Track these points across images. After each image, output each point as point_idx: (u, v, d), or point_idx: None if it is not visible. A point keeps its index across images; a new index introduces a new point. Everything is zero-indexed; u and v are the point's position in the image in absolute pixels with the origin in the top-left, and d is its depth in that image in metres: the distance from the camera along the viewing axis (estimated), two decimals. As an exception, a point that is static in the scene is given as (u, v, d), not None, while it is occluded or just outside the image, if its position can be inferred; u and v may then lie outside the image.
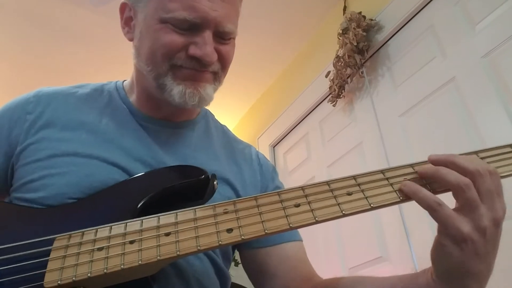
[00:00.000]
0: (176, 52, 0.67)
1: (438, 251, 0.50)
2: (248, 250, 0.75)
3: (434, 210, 0.49)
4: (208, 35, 0.67)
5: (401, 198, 0.53)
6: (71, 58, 2.37)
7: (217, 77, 0.72)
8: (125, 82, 0.82)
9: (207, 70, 0.69)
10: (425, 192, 0.51)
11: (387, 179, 0.55)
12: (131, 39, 0.74)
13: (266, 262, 0.74)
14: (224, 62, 0.72)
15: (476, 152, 0.57)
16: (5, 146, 0.69)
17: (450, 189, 0.51)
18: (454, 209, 0.49)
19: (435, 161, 0.54)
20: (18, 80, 2.44)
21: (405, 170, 0.56)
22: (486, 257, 0.48)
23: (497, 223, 0.49)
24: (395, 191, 0.54)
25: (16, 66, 2.39)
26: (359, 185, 0.54)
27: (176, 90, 0.67)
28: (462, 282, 0.49)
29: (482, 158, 0.56)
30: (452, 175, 0.50)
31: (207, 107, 0.87)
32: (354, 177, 0.55)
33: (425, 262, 1.44)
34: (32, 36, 2.20)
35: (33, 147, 0.67)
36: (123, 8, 0.74)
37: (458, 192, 0.49)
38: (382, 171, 0.56)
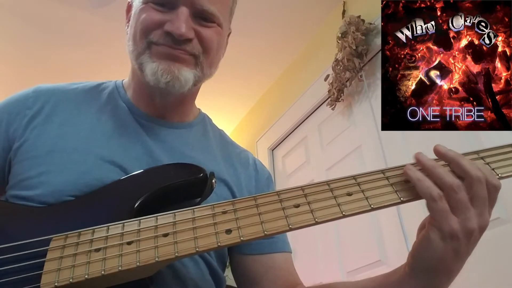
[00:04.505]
0: (153, 28, 0.68)
1: (423, 245, 0.52)
2: (238, 255, 0.75)
3: (434, 201, 0.50)
4: (182, 11, 0.67)
5: (402, 199, 0.53)
6: (69, 59, 2.36)
7: (198, 62, 0.71)
8: (124, 80, 0.82)
9: (184, 50, 0.68)
10: (429, 182, 0.52)
11: (387, 178, 0.54)
12: None
13: (253, 269, 0.74)
14: (205, 46, 0.70)
15: (477, 152, 0.57)
16: (3, 141, 0.69)
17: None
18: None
19: (441, 155, 0.55)
20: (16, 80, 2.44)
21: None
22: (464, 257, 0.51)
23: (482, 230, 0.51)
24: (395, 191, 0.53)
25: (14, 67, 2.38)
26: (359, 184, 0.54)
27: (149, 67, 0.67)
28: (436, 277, 0.52)
29: (483, 158, 0.57)
30: (447, 177, 0.51)
31: (205, 112, 0.87)
32: (354, 177, 0.55)
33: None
34: (30, 36, 2.20)
35: (31, 143, 0.67)
36: (128, 9, 0.76)
37: (449, 193, 0.50)
38: (382, 171, 0.55)
